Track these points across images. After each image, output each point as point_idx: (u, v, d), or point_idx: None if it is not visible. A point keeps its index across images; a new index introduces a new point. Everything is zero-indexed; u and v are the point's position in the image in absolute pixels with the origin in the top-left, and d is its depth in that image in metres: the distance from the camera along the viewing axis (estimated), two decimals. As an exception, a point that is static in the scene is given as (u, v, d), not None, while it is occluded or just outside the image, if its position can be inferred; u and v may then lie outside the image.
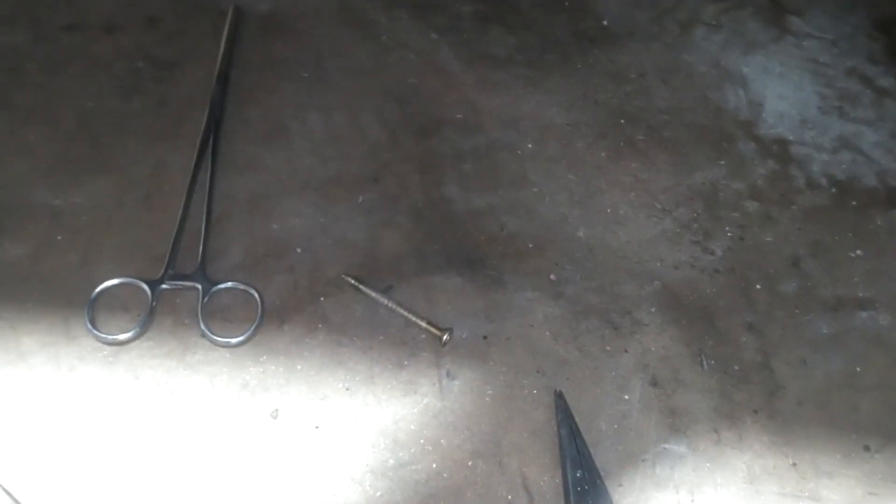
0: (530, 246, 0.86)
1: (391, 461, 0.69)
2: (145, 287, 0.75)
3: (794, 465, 0.73)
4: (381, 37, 1.05)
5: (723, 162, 0.97)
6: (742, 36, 1.13)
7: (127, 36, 0.99)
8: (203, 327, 0.73)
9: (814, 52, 1.12)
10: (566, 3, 1.13)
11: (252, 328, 0.74)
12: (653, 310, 0.82)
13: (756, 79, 1.07)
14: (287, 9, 1.06)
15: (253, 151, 0.90)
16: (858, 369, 0.80)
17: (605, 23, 1.12)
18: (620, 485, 0.70)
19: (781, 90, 1.06)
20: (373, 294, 0.78)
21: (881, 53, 1.12)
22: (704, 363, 0.78)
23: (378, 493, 0.67)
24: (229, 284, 0.77)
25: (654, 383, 0.76)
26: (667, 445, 0.72)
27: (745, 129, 1.01)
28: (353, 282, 0.79)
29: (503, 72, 1.03)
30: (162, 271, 0.77)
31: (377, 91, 0.98)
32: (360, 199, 0.87)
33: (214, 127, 0.89)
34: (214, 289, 0.76)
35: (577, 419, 0.72)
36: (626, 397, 0.75)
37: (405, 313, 0.77)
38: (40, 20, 0.99)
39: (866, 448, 0.74)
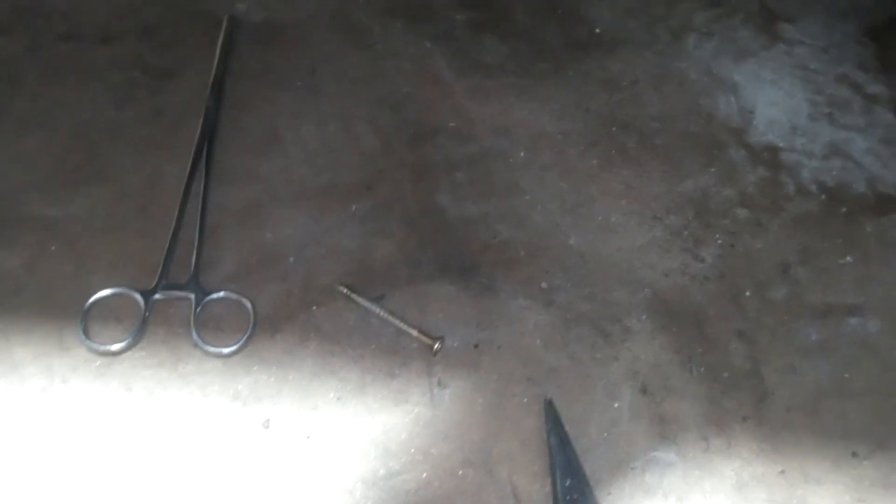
0: (522, 254, 0.86)
1: (382, 471, 0.69)
2: (138, 297, 0.76)
3: (783, 472, 0.73)
4: (374, 46, 1.06)
5: (713, 169, 0.97)
6: (733, 43, 1.13)
7: (122, 46, 1.00)
8: (195, 337, 0.74)
9: (805, 59, 1.12)
10: (559, 12, 1.14)
11: (244, 338, 0.75)
12: (643, 317, 0.82)
13: (747, 86, 1.08)
14: (281, 18, 1.07)
15: (247, 160, 0.90)
16: (847, 376, 0.80)
17: (597, 31, 1.12)
18: (610, 493, 0.70)
19: (772, 97, 1.07)
20: (365, 303, 0.79)
21: (871, 60, 1.13)
22: (694, 370, 0.79)
23: (368, 503, 0.67)
24: (222, 294, 0.78)
25: (644, 391, 0.77)
26: (656, 453, 0.73)
27: (735, 136, 1.01)
28: (345, 291, 0.79)
29: (496, 80, 1.04)
30: (155, 281, 0.77)
31: (371, 99, 0.99)
32: (354, 207, 0.88)
33: (209, 136, 0.90)
34: (207, 298, 0.77)
35: (567, 427, 0.72)
36: (616, 405, 0.76)
37: (397, 322, 0.78)
38: (36, 30, 1.00)
39: (855, 454, 0.75)
